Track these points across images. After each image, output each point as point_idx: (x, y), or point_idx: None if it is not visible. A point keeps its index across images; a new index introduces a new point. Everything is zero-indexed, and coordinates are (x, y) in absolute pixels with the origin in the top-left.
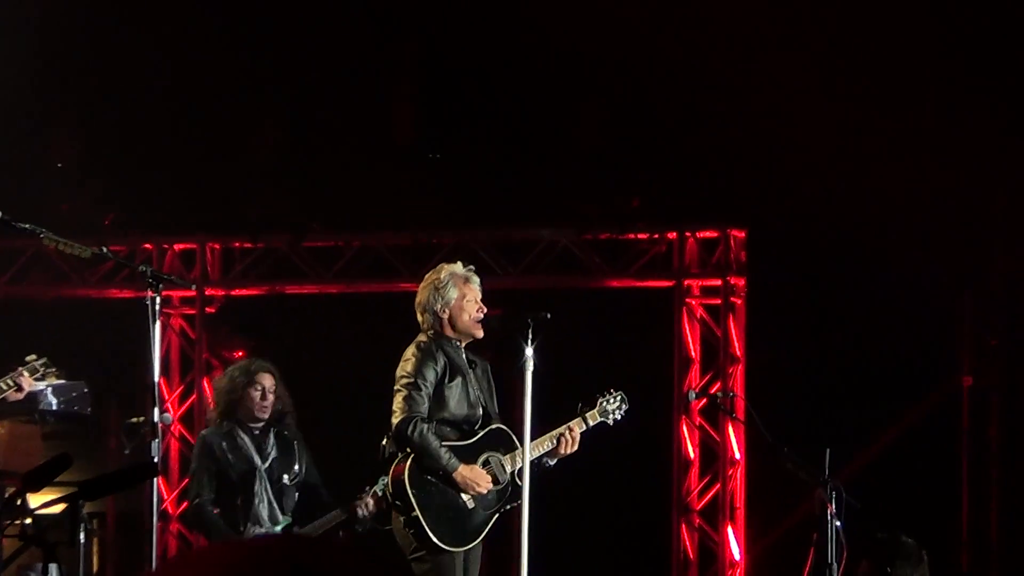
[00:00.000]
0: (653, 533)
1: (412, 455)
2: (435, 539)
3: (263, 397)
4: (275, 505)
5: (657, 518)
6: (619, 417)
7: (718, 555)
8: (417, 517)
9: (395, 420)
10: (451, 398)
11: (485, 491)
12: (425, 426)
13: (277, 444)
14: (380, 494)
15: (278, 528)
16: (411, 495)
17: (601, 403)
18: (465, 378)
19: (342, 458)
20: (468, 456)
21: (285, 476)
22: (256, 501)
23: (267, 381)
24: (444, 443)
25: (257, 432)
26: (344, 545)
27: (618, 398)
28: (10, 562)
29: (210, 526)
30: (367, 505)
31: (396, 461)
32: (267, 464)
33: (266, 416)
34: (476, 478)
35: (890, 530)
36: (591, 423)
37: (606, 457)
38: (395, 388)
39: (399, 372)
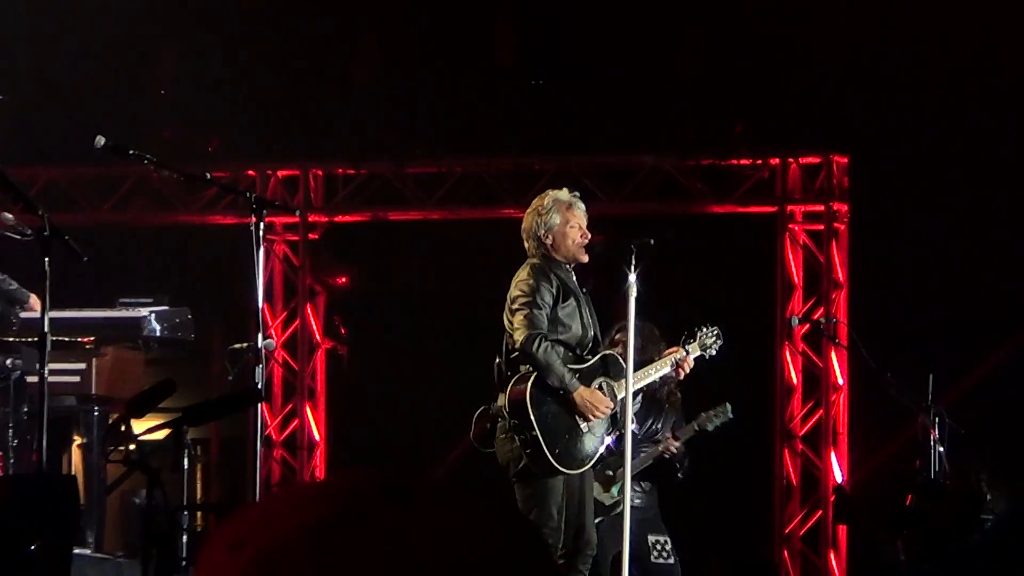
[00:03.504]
0: (756, 459)
1: (533, 375)
2: (552, 460)
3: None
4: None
5: (760, 444)
6: (715, 353)
7: (821, 481)
8: (536, 437)
9: (518, 337)
10: (565, 320)
11: (602, 415)
12: (548, 344)
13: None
14: (710, 429)
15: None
16: (531, 414)
17: (700, 336)
18: (578, 300)
19: (446, 383)
20: (583, 380)
21: (635, 425)
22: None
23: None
24: None
25: None
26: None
27: (714, 333)
28: (114, 487)
29: None
30: (671, 445)
31: (515, 380)
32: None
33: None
34: (596, 400)
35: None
36: (692, 355)
37: (709, 383)
38: (512, 308)
39: (514, 292)
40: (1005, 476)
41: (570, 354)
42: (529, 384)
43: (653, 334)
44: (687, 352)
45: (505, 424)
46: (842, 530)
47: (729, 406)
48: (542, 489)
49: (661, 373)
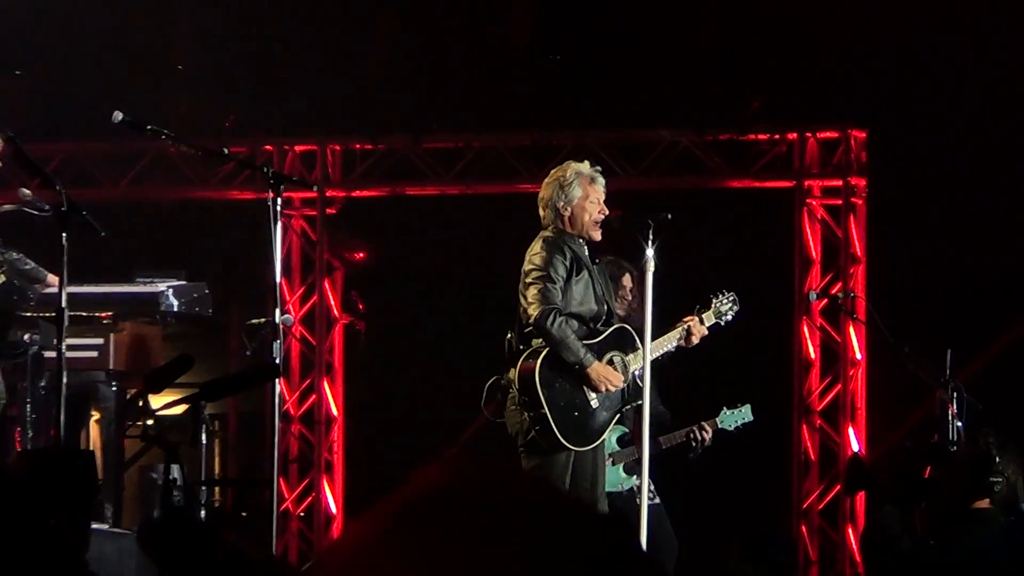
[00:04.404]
0: (774, 434)
1: (543, 351)
2: (560, 438)
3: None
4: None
5: (778, 419)
6: (730, 319)
7: (839, 456)
8: (544, 415)
9: (532, 312)
10: (578, 293)
11: (616, 389)
12: (563, 318)
13: None
14: (730, 428)
15: (613, 438)
16: (540, 392)
17: (715, 304)
18: (591, 274)
19: (463, 357)
20: (595, 354)
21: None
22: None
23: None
24: None
25: None
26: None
27: (730, 299)
28: (132, 462)
29: None
30: (703, 436)
31: (524, 357)
32: None
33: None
34: (609, 375)
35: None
36: (707, 323)
37: (726, 358)
38: (526, 282)
39: (528, 266)
40: (1014, 439)
41: (584, 328)
42: (539, 361)
43: (620, 267)
44: (702, 321)
45: (515, 396)
46: (860, 505)
47: (749, 407)
48: (548, 462)
49: (675, 344)
